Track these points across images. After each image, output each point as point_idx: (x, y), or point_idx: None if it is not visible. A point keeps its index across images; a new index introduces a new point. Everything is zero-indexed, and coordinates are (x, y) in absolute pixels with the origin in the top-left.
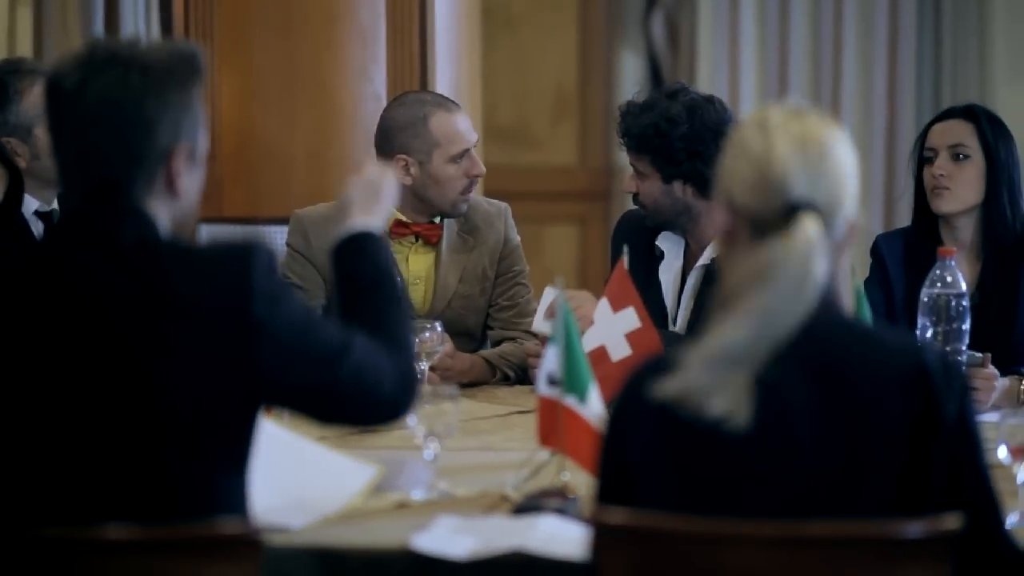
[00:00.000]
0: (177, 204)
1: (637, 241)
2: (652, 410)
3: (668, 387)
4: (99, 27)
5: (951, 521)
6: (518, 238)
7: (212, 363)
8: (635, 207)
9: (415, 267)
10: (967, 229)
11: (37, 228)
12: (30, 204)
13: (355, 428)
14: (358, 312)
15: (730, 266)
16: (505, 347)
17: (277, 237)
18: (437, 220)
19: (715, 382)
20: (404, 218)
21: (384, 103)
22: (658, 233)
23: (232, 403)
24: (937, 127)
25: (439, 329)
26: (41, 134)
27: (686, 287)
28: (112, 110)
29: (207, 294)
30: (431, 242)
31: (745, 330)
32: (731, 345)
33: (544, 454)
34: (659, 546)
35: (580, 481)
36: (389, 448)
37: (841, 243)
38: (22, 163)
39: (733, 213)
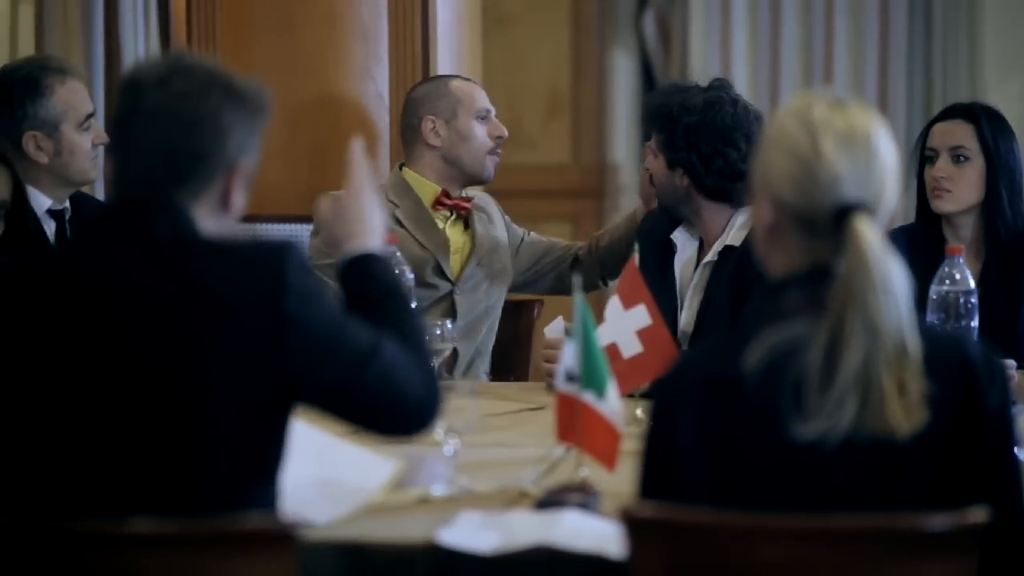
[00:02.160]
0: (225, 218)
1: (656, 237)
2: (699, 397)
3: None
4: (99, 26)
5: (977, 514)
6: (510, 220)
7: (244, 358)
8: (654, 210)
9: (453, 238)
10: (968, 227)
11: (49, 227)
12: (43, 202)
13: (382, 435)
14: (375, 324)
15: (776, 260)
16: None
17: (280, 235)
18: (466, 192)
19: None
20: (442, 187)
21: (386, 101)
22: (672, 230)
23: (264, 399)
24: (938, 127)
25: (450, 327)
26: (67, 131)
27: (693, 283)
28: (191, 108)
29: (240, 289)
30: (463, 215)
31: (861, 353)
32: (852, 369)
33: (560, 450)
34: (690, 540)
35: (598, 476)
36: (408, 444)
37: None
38: (45, 158)
39: (778, 209)
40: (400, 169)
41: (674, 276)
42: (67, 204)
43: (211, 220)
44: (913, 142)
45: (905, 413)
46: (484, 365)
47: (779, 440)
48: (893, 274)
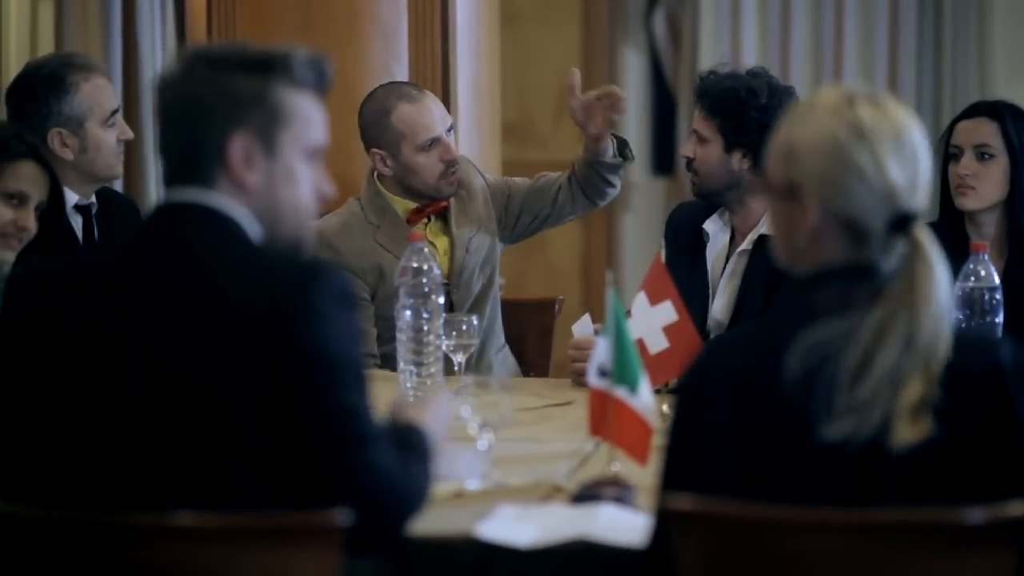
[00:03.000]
0: (250, 198)
1: (687, 227)
2: (729, 391)
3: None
4: (117, 24)
5: (1017, 508)
6: (490, 176)
7: (252, 370)
8: (686, 202)
9: (438, 241)
10: (992, 225)
11: (76, 223)
12: (70, 198)
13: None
14: None
15: (810, 258)
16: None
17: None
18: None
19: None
20: (414, 204)
21: None
22: (704, 221)
23: (273, 412)
24: (962, 125)
25: (475, 323)
26: (92, 128)
27: (727, 271)
28: (177, 97)
29: (258, 302)
30: (440, 213)
31: (895, 355)
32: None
33: (589, 444)
34: (731, 533)
35: (630, 471)
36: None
37: None
38: (70, 155)
39: (829, 216)
40: (375, 177)
41: (706, 266)
42: (93, 199)
43: (237, 203)
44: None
45: (909, 423)
46: (497, 341)
47: (808, 441)
48: (945, 284)
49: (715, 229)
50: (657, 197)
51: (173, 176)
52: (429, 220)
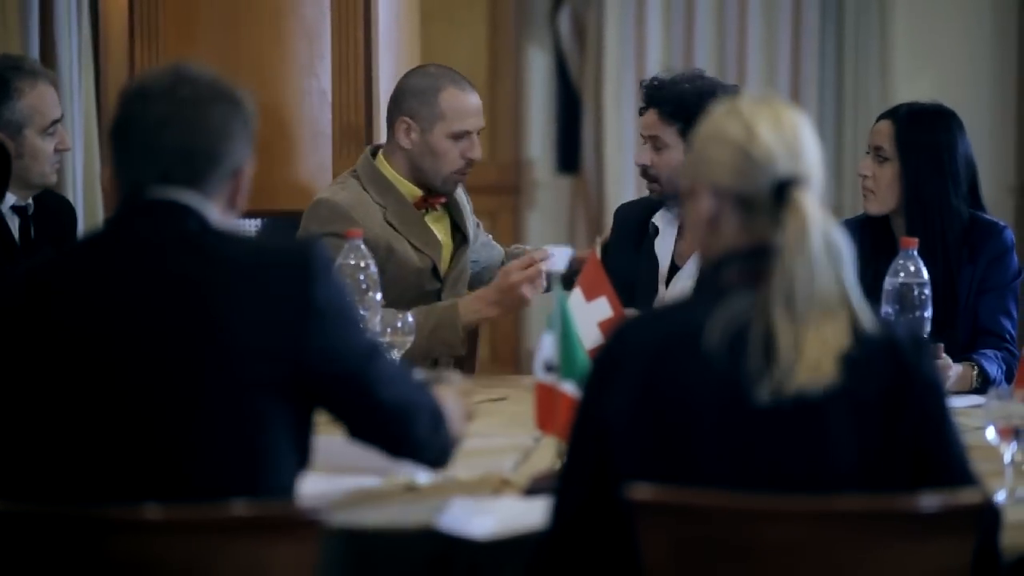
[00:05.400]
0: (229, 215)
1: (631, 222)
2: (636, 361)
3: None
4: (35, 25)
5: (970, 496)
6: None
7: (266, 342)
8: (629, 201)
9: (439, 233)
10: (902, 226)
11: (13, 224)
12: (7, 198)
13: (388, 454)
14: None
15: (715, 245)
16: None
17: None
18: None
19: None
20: (419, 191)
21: (329, 98)
22: (649, 215)
23: (281, 386)
24: (874, 126)
25: (410, 320)
26: (30, 135)
27: (685, 269)
28: (203, 113)
29: (269, 275)
30: (437, 209)
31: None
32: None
33: (530, 438)
34: (691, 521)
35: None
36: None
37: None
38: None
39: (718, 197)
40: (373, 157)
41: (656, 258)
42: (30, 201)
43: (221, 219)
44: (825, 140)
45: (812, 371)
46: None
47: (739, 406)
48: (836, 239)
49: (664, 223)
50: (562, 196)
51: (170, 175)
52: (427, 211)
